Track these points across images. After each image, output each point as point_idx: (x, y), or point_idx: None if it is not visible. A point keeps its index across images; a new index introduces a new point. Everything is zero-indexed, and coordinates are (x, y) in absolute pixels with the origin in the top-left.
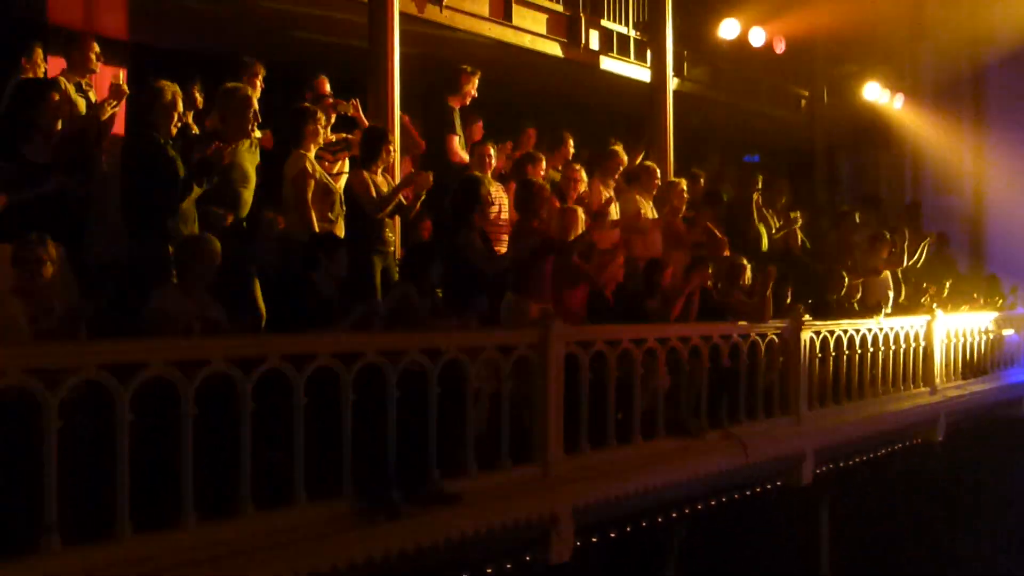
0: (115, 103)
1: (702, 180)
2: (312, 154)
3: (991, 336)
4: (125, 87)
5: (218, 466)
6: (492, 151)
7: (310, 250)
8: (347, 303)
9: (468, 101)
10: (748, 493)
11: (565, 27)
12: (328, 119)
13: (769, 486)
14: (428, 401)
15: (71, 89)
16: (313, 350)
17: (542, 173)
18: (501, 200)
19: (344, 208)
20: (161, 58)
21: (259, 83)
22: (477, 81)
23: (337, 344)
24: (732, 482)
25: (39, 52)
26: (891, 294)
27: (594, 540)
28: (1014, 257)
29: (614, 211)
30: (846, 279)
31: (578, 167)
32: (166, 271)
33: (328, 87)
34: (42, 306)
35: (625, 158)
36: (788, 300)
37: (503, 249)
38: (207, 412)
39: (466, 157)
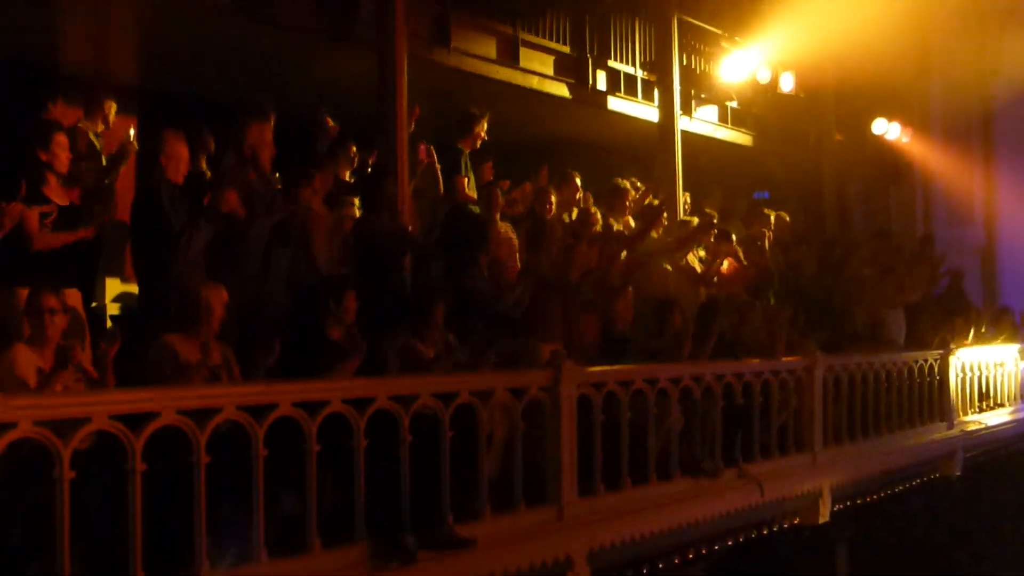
0: (124, 160)
1: (716, 219)
2: (321, 197)
3: (1007, 369)
4: (135, 143)
5: (231, 514)
6: (500, 192)
7: (318, 295)
8: (357, 347)
9: (479, 144)
10: (765, 532)
11: (572, 68)
12: (345, 163)
13: (786, 524)
14: (440, 445)
15: (92, 137)
16: (324, 396)
17: (552, 211)
18: (511, 240)
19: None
20: (172, 104)
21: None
22: (486, 123)
23: (348, 390)
24: (748, 521)
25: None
26: (904, 328)
27: None
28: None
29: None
30: (859, 314)
31: (594, 210)
32: (172, 318)
33: (331, 122)
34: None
35: (633, 192)
36: (801, 336)
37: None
38: (220, 459)
39: (475, 198)
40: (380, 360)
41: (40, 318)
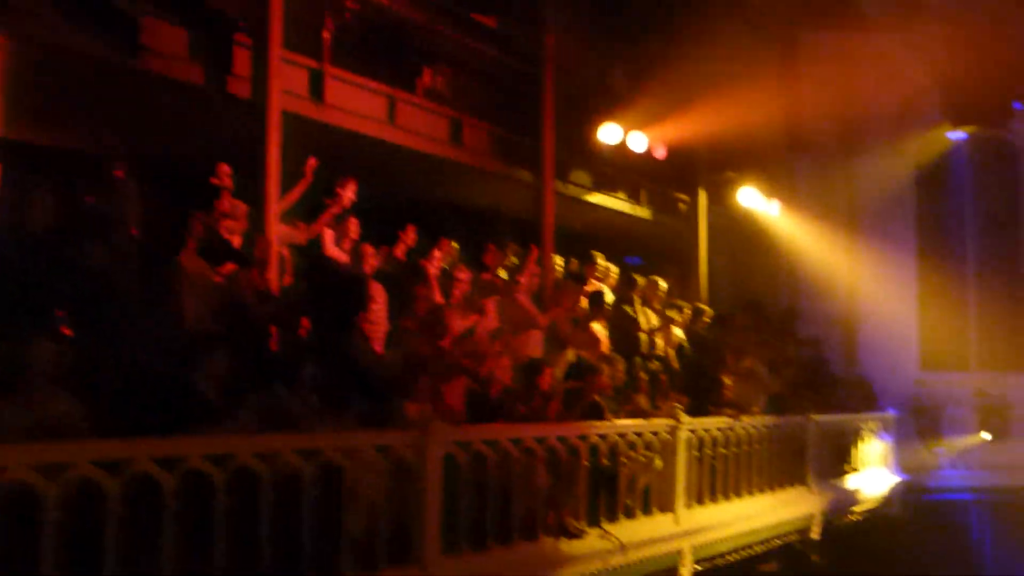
0: None
1: (589, 282)
2: (193, 251)
3: (865, 437)
4: None
5: (83, 572)
6: (372, 250)
7: (188, 349)
8: (230, 404)
9: (347, 203)
10: None
11: (451, 128)
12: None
13: None
14: (303, 504)
15: None
16: (183, 452)
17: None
18: (378, 299)
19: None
20: (35, 154)
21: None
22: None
23: (208, 446)
24: None
25: None
26: (763, 395)
27: None
28: (879, 361)
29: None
30: (726, 381)
31: (462, 267)
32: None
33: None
34: None
35: (506, 256)
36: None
37: (377, 346)
38: (74, 518)
39: (340, 255)
40: (245, 418)
41: None
